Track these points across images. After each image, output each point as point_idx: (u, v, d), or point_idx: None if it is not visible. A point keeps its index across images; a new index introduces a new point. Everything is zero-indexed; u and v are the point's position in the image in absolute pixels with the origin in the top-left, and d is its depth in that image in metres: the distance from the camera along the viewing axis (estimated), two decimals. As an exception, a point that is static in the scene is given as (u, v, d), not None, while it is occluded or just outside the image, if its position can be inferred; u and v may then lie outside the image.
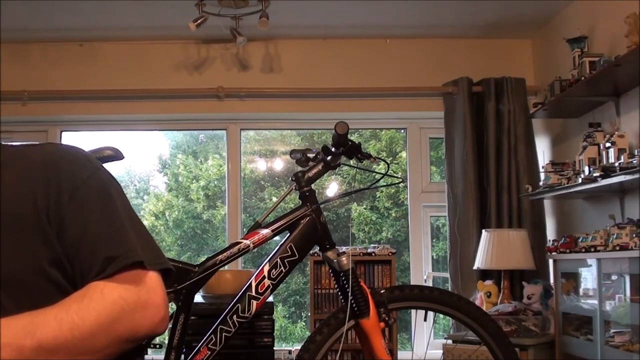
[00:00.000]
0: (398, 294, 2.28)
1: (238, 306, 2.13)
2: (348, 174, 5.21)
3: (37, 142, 1.15)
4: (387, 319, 2.21)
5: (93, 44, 4.00)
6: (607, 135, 2.83)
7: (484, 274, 3.69)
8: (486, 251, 3.49)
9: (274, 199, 5.30)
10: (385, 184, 3.54)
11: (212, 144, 5.96)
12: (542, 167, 3.45)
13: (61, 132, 4.13)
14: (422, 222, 4.14)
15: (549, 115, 3.57)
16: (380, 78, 4.00)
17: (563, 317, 3.09)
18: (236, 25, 3.58)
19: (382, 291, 2.24)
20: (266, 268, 2.16)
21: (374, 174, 2.81)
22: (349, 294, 2.19)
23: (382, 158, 2.54)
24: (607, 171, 2.63)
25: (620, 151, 2.67)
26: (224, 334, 2.11)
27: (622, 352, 2.52)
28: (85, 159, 1.15)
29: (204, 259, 2.19)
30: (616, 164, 2.61)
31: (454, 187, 3.88)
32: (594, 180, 2.74)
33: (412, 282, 4.02)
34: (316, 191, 2.26)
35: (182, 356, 2.13)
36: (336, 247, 2.26)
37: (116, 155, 2.16)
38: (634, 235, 2.50)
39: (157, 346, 2.23)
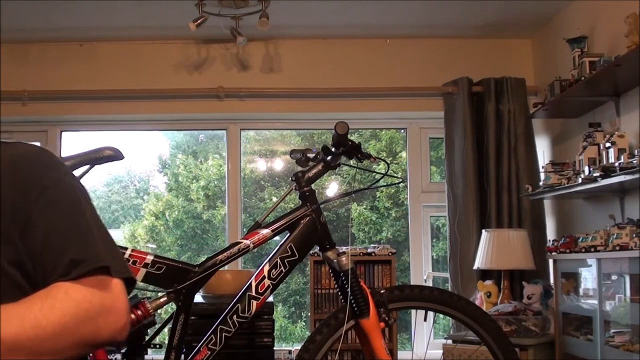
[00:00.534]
0: (398, 294, 2.28)
1: (238, 306, 2.14)
2: (348, 174, 5.21)
3: (8, 141, 1.13)
4: (387, 319, 2.21)
5: (93, 44, 4.00)
6: (607, 135, 2.83)
7: (484, 274, 3.69)
8: (486, 251, 3.49)
9: (274, 199, 5.30)
10: (385, 184, 3.54)
11: (212, 144, 5.96)
12: (542, 167, 3.45)
13: (61, 132, 4.13)
14: (422, 222, 4.15)
15: (549, 115, 3.57)
16: (380, 78, 4.00)
17: (563, 317, 3.09)
18: (236, 25, 3.58)
19: (382, 291, 2.24)
20: (266, 268, 2.16)
21: (374, 174, 2.82)
22: (349, 294, 2.19)
23: (382, 158, 2.54)
24: (607, 171, 2.63)
25: (620, 151, 2.67)
26: (224, 334, 2.11)
27: (622, 352, 2.52)
28: (56, 162, 1.12)
29: (204, 259, 2.19)
30: (616, 164, 2.61)
31: (454, 187, 3.88)
32: (594, 180, 2.74)
33: (412, 282, 4.02)
34: (316, 191, 2.26)
35: (182, 356, 2.13)
36: (336, 247, 2.26)
37: (116, 155, 2.16)
38: (634, 235, 2.50)
39: (157, 346, 2.24)
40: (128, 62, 4.02)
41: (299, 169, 2.29)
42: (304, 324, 5.40)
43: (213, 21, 3.47)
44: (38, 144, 4.04)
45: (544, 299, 3.42)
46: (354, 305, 2.19)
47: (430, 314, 2.49)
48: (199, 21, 3.42)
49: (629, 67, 2.67)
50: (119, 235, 6.25)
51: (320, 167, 2.26)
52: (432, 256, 4.22)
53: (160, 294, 2.11)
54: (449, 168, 3.92)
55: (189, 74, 4.02)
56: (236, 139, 4.16)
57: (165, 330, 2.20)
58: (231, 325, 2.12)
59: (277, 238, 2.31)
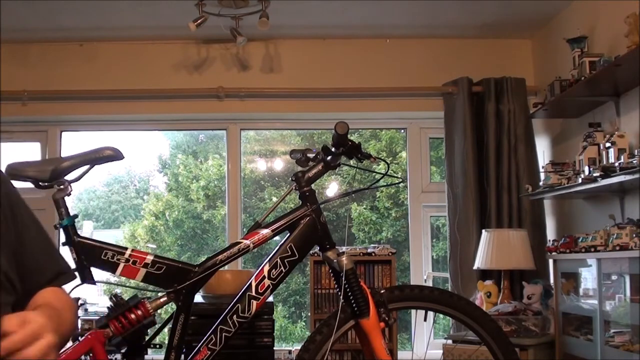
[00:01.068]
0: (398, 294, 2.28)
1: (238, 306, 2.14)
2: (348, 174, 5.21)
3: None
4: (387, 319, 2.21)
5: (93, 44, 4.00)
6: (607, 135, 2.83)
7: (484, 274, 3.69)
8: (486, 251, 3.49)
9: (274, 199, 5.30)
10: (385, 184, 3.54)
11: (212, 144, 5.96)
12: (542, 167, 3.45)
13: (61, 132, 4.13)
14: (422, 222, 4.15)
15: (549, 115, 3.57)
16: (380, 78, 4.00)
17: (563, 317, 3.09)
18: (236, 25, 3.58)
19: (382, 291, 2.24)
20: (266, 268, 2.16)
21: (374, 174, 2.81)
22: (349, 294, 2.19)
23: (382, 158, 2.54)
24: (607, 171, 2.63)
25: (620, 151, 2.67)
26: (224, 334, 2.11)
27: (622, 352, 2.52)
28: None
29: (204, 259, 2.19)
30: (616, 164, 2.61)
31: (454, 187, 3.88)
32: (594, 180, 2.74)
33: (412, 282, 4.02)
34: (316, 191, 2.26)
35: (182, 356, 2.13)
36: (336, 247, 2.26)
37: (116, 155, 2.16)
38: (634, 235, 2.50)
39: (157, 346, 2.24)
40: (128, 62, 4.02)
41: (299, 169, 2.29)
42: (304, 324, 5.40)
43: (213, 21, 3.47)
44: (38, 144, 4.08)
45: (544, 299, 3.42)
46: (354, 305, 2.19)
47: (430, 314, 2.49)
48: (199, 21, 3.42)
49: (629, 67, 2.67)
50: (119, 235, 6.25)
51: (320, 167, 2.26)
52: (432, 256, 4.22)
53: (160, 294, 2.11)
54: (449, 168, 3.92)
55: (189, 74, 4.02)
56: (236, 139, 4.16)
57: (165, 330, 2.20)
58: (231, 325, 2.12)
59: (277, 238, 2.30)
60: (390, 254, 3.60)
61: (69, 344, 2.17)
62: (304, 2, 3.56)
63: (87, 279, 2.12)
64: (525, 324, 3.23)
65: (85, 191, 6.45)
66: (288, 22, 3.80)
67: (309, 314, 3.70)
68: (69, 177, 2.12)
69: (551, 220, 3.83)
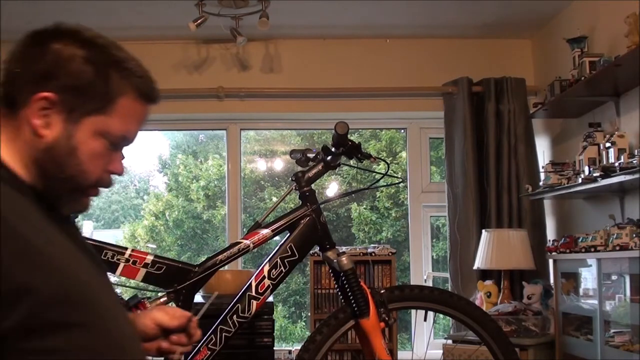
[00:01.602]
0: (398, 294, 2.28)
1: (238, 306, 2.14)
2: (348, 174, 5.21)
3: None
4: (387, 319, 2.21)
5: (93, 44, 4.00)
6: (607, 135, 2.83)
7: (484, 274, 3.69)
8: (486, 251, 3.49)
9: (274, 199, 5.30)
10: (385, 184, 3.55)
11: (212, 144, 5.96)
12: (542, 167, 3.45)
13: (61, 132, 4.12)
14: (422, 222, 4.14)
15: (549, 115, 3.57)
16: (380, 78, 4.00)
17: (563, 317, 3.09)
18: (236, 25, 3.58)
19: (382, 291, 2.24)
20: (266, 268, 2.16)
21: (374, 174, 2.82)
22: (349, 294, 2.19)
23: (382, 158, 2.54)
24: (607, 171, 2.63)
25: (620, 151, 2.67)
26: (224, 334, 2.11)
27: (622, 352, 2.52)
28: None
29: (204, 259, 2.19)
30: (616, 164, 2.61)
31: (454, 187, 3.88)
32: (594, 180, 2.74)
33: (412, 282, 4.02)
34: (316, 191, 2.26)
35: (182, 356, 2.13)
36: (336, 247, 2.26)
37: (116, 155, 2.16)
38: (634, 235, 2.50)
39: (157, 346, 2.23)
40: (128, 62, 4.01)
41: (299, 169, 2.29)
42: (304, 324, 5.40)
43: (213, 21, 3.47)
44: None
45: (544, 299, 3.42)
46: (353, 305, 2.19)
47: (430, 314, 2.49)
48: (199, 21, 3.42)
49: (629, 67, 2.67)
50: (119, 235, 6.25)
51: (320, 167, 2.26)
52: (432, 256, 4.22)
53: (160, 294, 2.11)
54: (449, 168, 3.92)
55: (189, 74, 4.02)
56: (236, 139, 4.16)
57: (165, 330, 2.20)
58: (231, 325, 2.12)
59: (277, 238, 2.31)
60: (390, 254, 3.60)
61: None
62: (304, 2, 3.56)
63: (87, 279, 2.12)
64: (525, 324, 3.23)
65: (85, 191, 6.44)
66: (288, 22, 3.80)
67: (309, 314, 3.70)
68: (69, 177, 2.12)
69: (551, 220, 3.83)
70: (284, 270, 2.17)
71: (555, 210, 3.81)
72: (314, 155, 2.29)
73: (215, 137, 5.66)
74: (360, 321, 2.20)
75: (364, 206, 5.41)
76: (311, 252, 2.85)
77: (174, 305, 2.12)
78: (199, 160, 6.04)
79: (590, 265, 2.82)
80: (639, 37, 2.61)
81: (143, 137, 5.30)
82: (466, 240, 3.78)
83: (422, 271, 4.10)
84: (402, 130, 4.65)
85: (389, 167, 2.38)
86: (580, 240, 2.87)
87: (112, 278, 2.76)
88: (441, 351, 3.30)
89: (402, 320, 4.52)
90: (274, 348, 3.13)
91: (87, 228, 6.23)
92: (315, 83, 3.96)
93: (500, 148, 3.81)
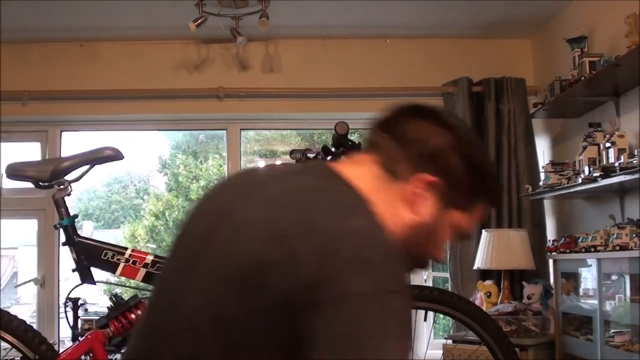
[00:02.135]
0: (398, 294, 2.28)
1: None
2: (348, 174, 5.20)
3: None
4: (387, 319, 2.21)
5: (93, 44, 4.00)
6: (607, 135, 2.83)
7: (484, 274, 3.68)
8: (486, 251, 3.49)
9: (274, 199, 5.29)
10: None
11: (212, 144, 5.97)
12: (542, 167, 3.45)
13: (61, 132, 4.12)
14: (422, 222, 4.13)
15: (549, 115, 3.57)
16: (380, 78, 4.00)
17: (563, 317, 3.09)
18: (236, 25, 3.58)
19: (382, 291, 2.24)
20: (266, 268, 2.16)
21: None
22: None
23: (382, 158, 2.53)
24: (607, 171, 2.63)
25: (620, 151, 2.67)
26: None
27: (622, 352, 2.52)
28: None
29: (204, 259, 2.18)
30: (616, 164, 2.61)
31: (454, 187, 3.87)
32: (594, 180, 2.74)
33: (412, 282, 4.01)
34: (316, 191, 2.26)
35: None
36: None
37: (116, 155, 2.17)
38: (634, 235, 2.50)
39: (157, 346, 2.23)
40: (128, 62, 4.01)
41: (299, 169, 2.29)
42: (304, 324, 5.39)
43: (213, 21, 3.47)
44: (38, 144, 4.08)
45: (544, 299, 3.42)
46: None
47: (430, 313, 2.48)
48: (199, 21, 3.42)
49: (629, 67, 2.67)
50: (119, 235, 6.26)
51: (320, 167, 2.26)
52: (432, 256, 4.21)
53: (160, 294, 2.11)
54: (449, 168, 3.91)
55: (189, 74, 4.02)
56: (236, 139, 4.16)
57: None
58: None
59: (277, 238, 2.30)
60: (390, 254, 3.59)
61: (69, 343, 2.17)
62: (304, 2, 3.56)
63: (87, 279, 2.12)
64: (525, 324, 3.23)
65: (85, 191, 6.46)
66: (288, 22, 3.80)
67: (309, 314, 3.69)
68: (69, 177, 2.13)
69: (551, 220, 3.83)
70: (284, 270, 2.16)
71: (555, 210, 3.81)
72: (314, 155, 2.29)
73: (215, 137, 5.66)
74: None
75: (364, 206, 5.41)
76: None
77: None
78: (199, 160, 6.05)
79: (590, 265, 2.82)
80: (639, 37, 2.61)
81: (143, 137, 5.31)
82: (466, 240, 3.78)
83: (422, 271, 4.10)
84: (402, 130, 4.65)
85: (389, 167, 2.38)
86: (580, 240, 2.87)
87: (112, 278, 2.76)
88: (441, 351, 3.30)
89: (402, 320, 4.52)
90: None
91: (87, 228, 6.24)
92: (315, 83, 3.96)
93: (500, 148, 3.81)
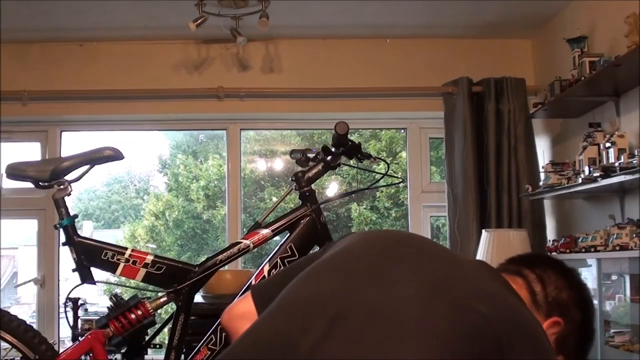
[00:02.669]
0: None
1: (238, 306, 2.13)
2: (348, 174, 5.22)
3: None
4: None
5: (93, 44, 4.00)
6: (607, 135, 2.83)
7: (484, 274, 3.68)
8: (486, 251, 3.48)
9: (274, 199, 5.30)
10: (385, 184, 3.54)
11: (212, 144, 5.97)
12: (542, 167, 3.45)
13: (61, 132, 4.12)
14: (422, 222, 4.14)
15: (549, 115, 3.57)
16: (380, 78, 4.00)
17: (563, 317, 3.09)
18: (236, 25, 3.58)
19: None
20: (266, 268, 2.16)
21: (374, 174, 2.82)
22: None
23: (382, 158, 2.54)
24: (607, 171, 2.63)
25: (620, 151, 2.67)
26: (224, 333, 2.11)
27: (622, 352, 2.52)
28: None
29: (204, 259, 2.19)
30: (616, 164, 2.61)
31: (454, 187, 3.88)
32: (594, 180, 2.74)
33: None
34: (316, 191, 2.26)
35: (182, 356, 2.13)
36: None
37: (116, 155, 2.17)
38: (634, 235, 2.50)
39: (157, 346, 2.24)
40: (128, 62, 4.01)
41: (299, 169, 2.29)
42: (304, 324, 5.39)
43: (213, 21, 3.47)
44: (38, 144, 4.08)
45: (544, 299, 3.41)
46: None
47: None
48: (199, 21, 3.42)
49: (629, 67, 2.67)
50: (119, 235, 6.26)
51: (320, 167, 2.26)
52: (432, 256, 4.21)
53: (160, 294, 2.12)
54: (449, 168, 3.92)
55: (189, 74, 4.02)
56: (236, 139, 4.16)
57: (165, 330, 2.21)
58: (231, 325, 2.12)
59: (277, 238, 2.31)
60: (390, 254, 3.59)
61: (69, 343, 2.17)
62: (304, 2, 3.56)
63: (87, 279, 2.12)
64: (525, 324, 3.22)
65: (85, 191, 6.46)
66: (288, 22, 3.80)
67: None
68: (69, 177, 2.13)
69: (551, 220, 3.83)
70: (284, 270, 2.17)
71: (555, 210, 3.81)
72: (314, 155, 2.29)
73: (215, 137, 5.67)
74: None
75: (364, 206, 5.42)
76: (311, 252, 2.84)
77: (174, 305, 2.12)
78: (199, 160, 6.05)
79: (590, 265, 2.82)
80: (639, 37, 2.61)
81: (143, 137, 5.31)
82: (466, 240, 3.78)
83: (422, 271, 4.09)
84: (402, 130, 4.65)
85: (389, 167, 2.38)
86: (580, 240, 2.87)
87: (112, 278, 2.76)
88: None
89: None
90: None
91: (87, 228, 6.24)
92: (315, 83, 3.96)
93: (500, 148, 3.81)
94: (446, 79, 3.94)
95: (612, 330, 2.65)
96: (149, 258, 2.10)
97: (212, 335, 2.11)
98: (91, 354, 2.01)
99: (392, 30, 3.98)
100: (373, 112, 4.12)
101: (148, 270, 2.09)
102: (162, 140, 6.24)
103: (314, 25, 3.90)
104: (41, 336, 2.08)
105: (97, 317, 2.22)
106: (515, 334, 1.02)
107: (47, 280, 3.95)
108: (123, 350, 2.10)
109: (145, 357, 2.14)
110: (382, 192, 5.27)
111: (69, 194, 2.13)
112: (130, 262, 2.09)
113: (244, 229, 4.07)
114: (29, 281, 4.00)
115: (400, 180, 3.32)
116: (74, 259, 2.10)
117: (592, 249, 2.74)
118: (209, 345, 2.09)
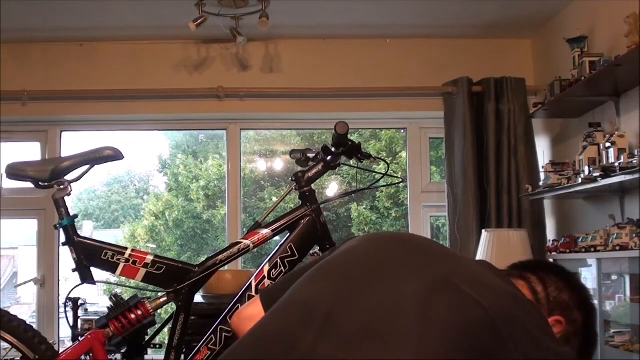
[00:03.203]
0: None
1: (238, 306, 2.14)
2: (348, 174, 5.22)
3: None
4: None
5: (93, 44, 4.00)
6: (607, 135, 2.83)
7: (484, 274, 3.68)
8: (486, 251, 3.48)
9: (274, 199, 5.30)
10: (385, 184, 3.54)
11: (212, 144, 5.97)
12: (542, 167, 3.45)
13: (61, 132, 4.12)
14: (422, 222, 4.14)
15: (549, 115, 3.57)
16: (380, 78, 4.00)
17: (563, 317, 3.09)
18: (236, 25, 3.58)
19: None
20: (266, 268, 2.16)
21: (374, 174, 2.82)
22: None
23: (382, 158, 2.54)
24: (607, 171, 2.63)
25: (620, 151, 2.67)
26: (224, 334, 2.11)
27: (622, 352, 2.52)
28: None
29: (204, 259, 2.19)
30: (616, 164, 2.61)
31: (454, 187, 3.88)
32: (594, 180, 2.74)
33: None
34: (316, 191, 2.26)
35: (182, 356, 2.13)
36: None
37: (116, 155, 2.17)
38: (634, 235, 2.50)
39: (157, 346, 2.24)
40: (128, 62, 4.02)
41: (299, 169, 2.29)
42: (304, 324, 5.39)
43: (213, 21, 3.47)
44: (38, 144, 4.08)
45: (544, 299, 3.41)
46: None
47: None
48: (199, 21, 3.42)
49: (629, 67, 2.67)
50: (119, 235, 6.26)
51: (320, 167, 2.26)
52: (432, 256, 4.21)
53: (160, 294, 2.12)
54: (449, 168, 3.92)
55: (189, 74, 4.02)
56: (236, 139, 4.16)
57: (165, 330, 2.21)
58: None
59: (277, 238, 2.31)
60: (390, 254, 3.59)
61: (69, 343, 2.17)
62: (304, 2, 3.56)
63: (87, 279, 2.12)
64: (525, 324, 3.22)
65: (85, 191, 6.47)
66: (288, 22, 3.80)
67: (309, 314, 3.69)
68: (69, 177, 2.13)
69: (551, 220, 3.83)
70: (284, 270, 2.17)
71: (555, 210, 3.81)
72: (314, 155, 2.29)
73: (215, 137, 5.67)
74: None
75: (364, 206, 5.42)
76: (311, 252, 2.84)
77: (174, 305, 2.12)
78: (199, 160, 6.05)
79: (590, 265, 2.82)
80: (639, 37, 2.61)
81: (143, 137, 5.31)
82: (466, 240, 3.78)
83: (422, 271, 4.09)
84: (402, 130, 4.65)
85: (389, 167, 2.38)
86: (580, 240, 2.87)
87: (112, 278, 2.76)
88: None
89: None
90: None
91: (87, 228, 6.24)
92: (315, 83, 3.96)
93: (500, 148, 3.81)
94: (446, 79, 3.94)
95: (612, 330, 2.65)
96: (149, 258, 2.10)
97: (212, 335, 2.11)
98: (91, 354, 2.01)
99: (392, 30, 3.98)
100: (373, 112, 4.12)
101: (148, 270, 2.09)
102: (162, 140, 6.25)
103: (314, 25, 3.90)
104: (41, 336, 2.08)
105: (97, 317, 2.22)
106: (515, 324, 1.05)
107: (47, 280, 3.95)
108: (123, 350, 2.10)
109: (145, 357, 2.14)
110: (382, 192, 5.27)
111: (69, 194, 2.13)
112: (130, 262, 2.09)
113: (244, 229, 4.07)
114: (29, 281, 4.00)
115: (400, 180, 3.32)
116: (74, 259, 2.10)
117: (592, 249, 2.74)
118: (209, 345, 2.10)
